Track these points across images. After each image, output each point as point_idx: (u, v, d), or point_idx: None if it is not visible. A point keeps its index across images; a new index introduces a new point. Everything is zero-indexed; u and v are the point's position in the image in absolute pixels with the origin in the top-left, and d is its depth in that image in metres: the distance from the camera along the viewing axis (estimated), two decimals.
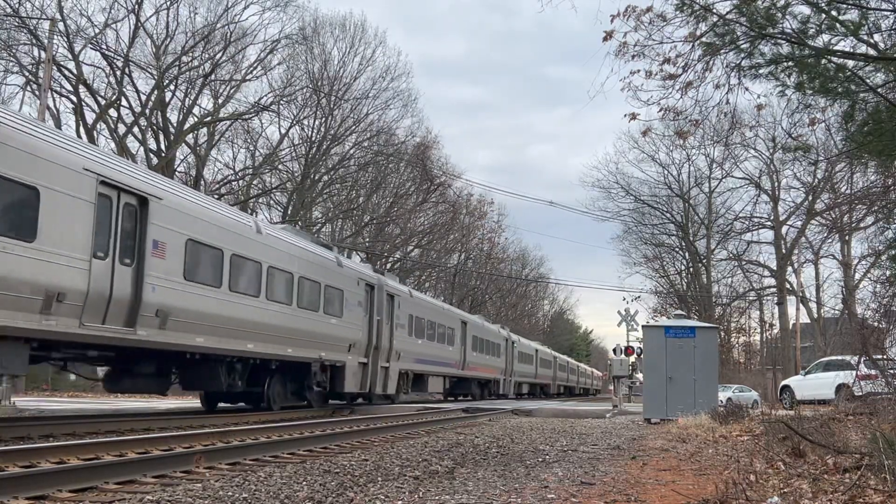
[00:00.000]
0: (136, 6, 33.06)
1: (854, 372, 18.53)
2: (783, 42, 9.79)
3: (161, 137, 35.76)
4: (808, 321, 50.02)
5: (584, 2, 11.06)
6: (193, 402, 23.83)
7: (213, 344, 14.05)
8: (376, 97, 43.79)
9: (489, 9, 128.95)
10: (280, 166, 42.36)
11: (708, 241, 56.00)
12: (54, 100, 31.75)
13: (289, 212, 41.90)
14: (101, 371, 15.32)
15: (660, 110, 11.32)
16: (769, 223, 51.00)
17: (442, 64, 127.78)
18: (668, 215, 57.10)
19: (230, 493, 5.86)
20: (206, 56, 36.13)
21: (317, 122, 42.45)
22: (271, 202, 44.34)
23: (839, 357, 25.08)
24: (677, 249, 59.38)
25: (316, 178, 44.02)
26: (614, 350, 29.59)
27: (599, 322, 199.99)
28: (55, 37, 27.52)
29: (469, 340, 32.91)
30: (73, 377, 25.24)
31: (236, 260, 14.80)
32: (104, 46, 32.82)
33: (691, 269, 57.99)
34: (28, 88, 31.32)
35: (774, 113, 34.06)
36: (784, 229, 50.57)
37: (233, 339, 14.59)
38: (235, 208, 21.05)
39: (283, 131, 41.87)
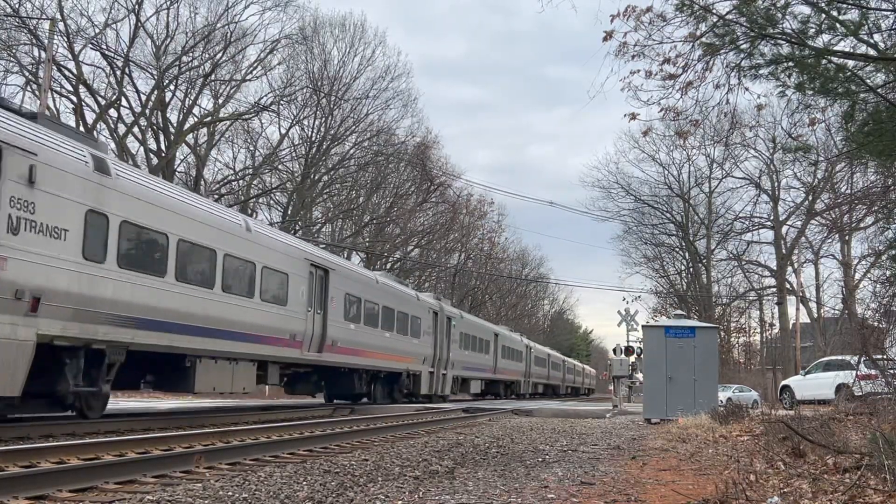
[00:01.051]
0: (136, 6, 33.09)
1: (854, 372, 18.54)
2: (783, 42, 9.79)
3: (161, 137, 35.77)
4: (808, 321, 50.02)
5: (584, 2, 11.08)
6: (193, 402, 23.85)
7: None
8: (376, 97, 43.91)
9: (489, 9, 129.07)
10: (280, 166, 42.40)
11: (708, 241, 56.05)
12: (54, 100, 31.81)
13: (289, 212, 41.93)
14: None
15: (660, 110, 11.34)
16: (769, 223, 51.04)
17: (442, 64, 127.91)
18: (668, 215, 57.20)
19: (230, 493, 5.85)
20: (206, 56, 36.17)
21: (317, 122, 42.52)
22: (271, 202, 44.40)
23: (839, 357, 25.08)
24: (677, 249, 59.49)
25: (316, 178, 44.04)
26: (614, 350, 29.54)
27: (599, 322, 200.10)
28: (55, 37, 27.51)
29: (334, 300, 19.21)
30: None
31: None
32: (104, 46, 32.87)
33: (691, 269, 58.02)
34: (28, 88, 31.33)
35: (774, 113, 34.23)
36: (784, 229, 50.66)
37: None
38: None
39: (283, 131, 41.96)
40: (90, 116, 32.83)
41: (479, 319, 38.31)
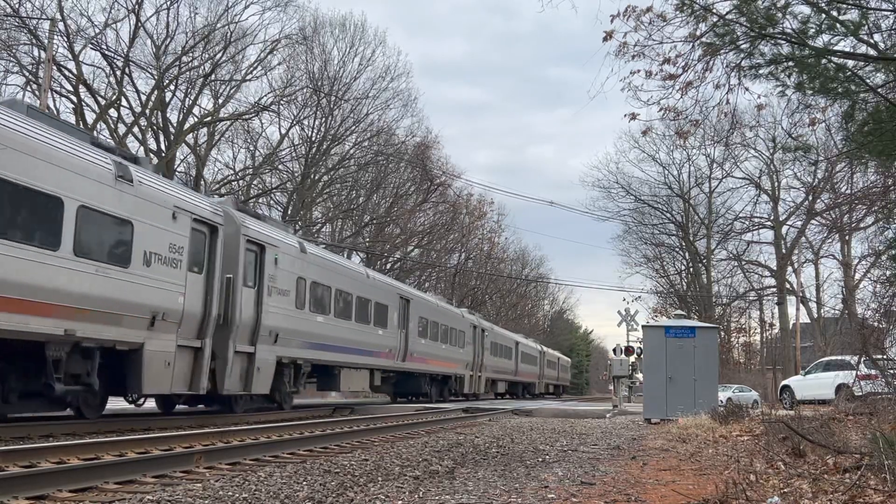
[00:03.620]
0: (136, 6, 33.03)
1: (854, 372, 18.55)
2: (783, 42, 9.77)
3: (161, 137, 35.74)
4: (808, 321, 49.98)
5: (584, 2, 11.08)
6: None
7: None
8: (376, 97, 43.83)
9: (489, 10, 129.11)
10: (280, 166, 42.36)
11: (708, 241, 56.01)
12: (54, 100, 31.75)
13: (289, 212, 41.90)
14: None
15: (660, 110, 11.33)
16: (769, 223, 50.98)
17: (442, 64, 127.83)
18: (669, 215, 57.13)
19: (230, 493, 5.85)
20: (206, 56, 36.10)
21: (317, 122, 42.47)
22: (271, 202, 44.35)
23: (839, 357, 25.08)
24: (677, 249, 59.41)
25: (316, 178, 44.01)
26: (614, 350, 29.54)
27: (599, 322, 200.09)
28: (55, 37, 27.49)
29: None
30: None
31: None
32: (104, 46, 32.81)
33: (691, 269, 57.98)
34: (28, 88, 31.30)
35: (774, 113, 33.99)
36: (784, 229, 50.57)
37: None
38: None
39: (283, 131, 41.89)
40: (90, 116, 32.83)
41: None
